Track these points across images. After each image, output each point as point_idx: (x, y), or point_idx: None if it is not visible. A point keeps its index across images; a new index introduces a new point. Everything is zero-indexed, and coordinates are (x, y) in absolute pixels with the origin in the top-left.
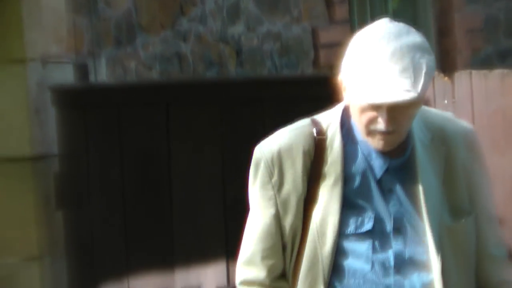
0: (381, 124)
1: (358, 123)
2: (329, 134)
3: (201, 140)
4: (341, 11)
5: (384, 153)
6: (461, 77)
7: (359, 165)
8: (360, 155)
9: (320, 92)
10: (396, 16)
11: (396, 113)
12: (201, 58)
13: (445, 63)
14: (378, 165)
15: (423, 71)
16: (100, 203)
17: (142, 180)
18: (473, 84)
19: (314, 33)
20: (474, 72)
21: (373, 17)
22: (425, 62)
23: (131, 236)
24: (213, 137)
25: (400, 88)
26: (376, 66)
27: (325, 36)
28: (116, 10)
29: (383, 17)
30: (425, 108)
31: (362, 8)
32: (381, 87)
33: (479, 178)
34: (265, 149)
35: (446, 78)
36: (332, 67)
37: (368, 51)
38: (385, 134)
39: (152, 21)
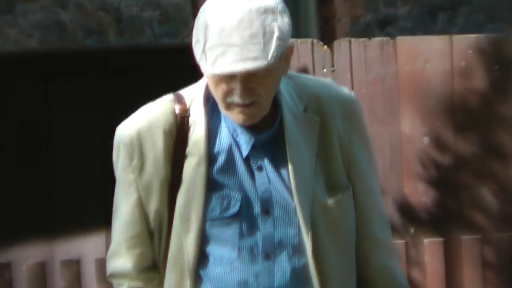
0: (236, 96)
1: (215, 97)
2: (192, 111)
3: (81, 109)
4: None
5: (250, 128)
6: (340, 45)
7: (224, 142)
8: (225, 132)
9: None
10: None
11: (252, 83)
12: (81, 26)
13: (325, 31)
14: (244, 141)
15: (275, 36)
16: None
17: (22, 150)
18: (353, 52)
19: (193, 1)
20: (353, 40)
21: None
22: (277, 25)
23: (11, 208)
24: (93, 106)
25: (247, 55)
26: (222, 33)
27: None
28: None
29: None
30: (299, 75)
31: None
32: (225, 56)
33: (359, 149)
34: (124, 131)
35: (325, 47)
36: None
37: (214, 16)
38: (243, 106)
39: None
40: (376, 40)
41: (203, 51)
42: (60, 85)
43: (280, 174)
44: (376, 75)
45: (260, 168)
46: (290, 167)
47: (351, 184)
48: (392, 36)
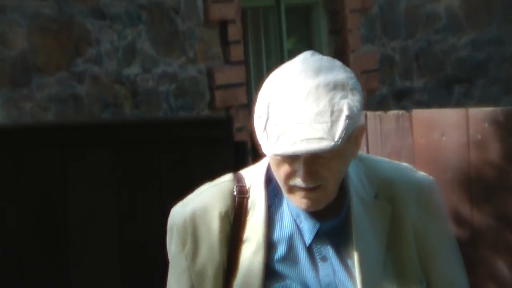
0: (299, 179)
1: (277, 178)
2: (252, 192)
3: (97, 182)
4: (236, 52)
5: (315, 214)
6: None
7: (285, 228)
8: (287, 217)
9: (216, 134)
10: (291, 56)
11: (317, 165)
12: (97, 99)
13: None
14: (307, 228)
15: (344, 114)
16: None
17: (38, 223)
18: (369, 125)
19: (209, 74)
20: (369, 113)
21: (269, 58)
22: (347, 103)
23: (27, 281)
24: (109, 179)
25: (312, 135)
26: (286, 110)
27: (220, 77)
28: (11, 50)
29: (279, 58)
30: (371, 157)
31: (257, 49)
32: (288, 135)
33: (437, 240)
34: (177, 214)
35: None
36: (228, 109)
37: (279, 92)
38: (307, 190)
39: (48, 61)
40: (392, 113)
41: (265, 128)
42: (76, 158)
43: (346, 266)
44: (392, 148)
45: (324, 258)
46: (356, 258)
47: (428, 280)
48: (408, 108)
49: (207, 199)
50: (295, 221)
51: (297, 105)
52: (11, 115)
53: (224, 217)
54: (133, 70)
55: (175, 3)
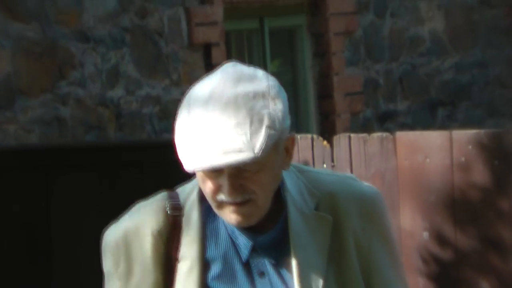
0: (225, 194)
1: (205, 195)
2: (187, 210)
3: (81, 204)
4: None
5: (250, 229)
6: (340, 140)
7: (221, 245)
8: (223, 233)
9: None
10: (276, 78)
11: (241, 179)
12: (81, 121)
13: (324, 126)
14: (243, 244)
15: (264, 125)
16: None
17: (22, 246)
18: (352, 148)
19: None
20: (353, 135)
21: None
22: (268, 112)
23: None
24: (93, 201)
25: (231, 147)
26: (204, 123)
27: None
28: None
29: None
30: (313, 170)
31: None
32: (206, 149)
33: (380, 254)
34: (109, 234)
35: (325, 142)
36: None
37: (197, 105)
38: (235, 205)
39: (32, 84)
40: (376, 135)
41: (183, 142)
42: (60, 180)
43: (284, 280)
44: (376, 170)
45: (262, 274)
46: (295, 271)
47: None
48: (391, 131)
49: (139, 218)
50: (231, 237)
51: (216, 117)
52: None
53: (157, 236)
54: (117, 92)
55: (159, 26)
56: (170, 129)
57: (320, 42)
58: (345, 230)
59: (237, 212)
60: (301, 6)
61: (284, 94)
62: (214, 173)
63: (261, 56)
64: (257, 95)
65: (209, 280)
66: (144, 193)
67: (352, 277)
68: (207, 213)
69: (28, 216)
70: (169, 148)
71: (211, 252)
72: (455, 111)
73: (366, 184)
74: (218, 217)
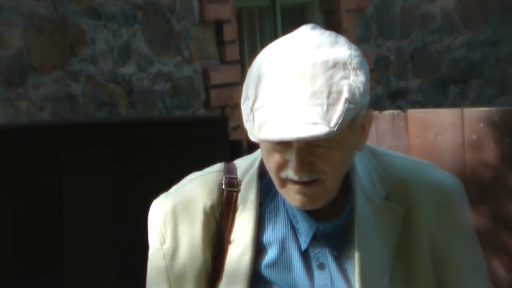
0: (291, 171)
1: (268, 170)
2: (244, 186)
3: (93, 181)
4: (232, 52)
5: (314, 214)
6: None
7: (279, 229)
8: (283, 216)
9: (211, 133)
10: None
11: (312, 155)
12: (92, 98)
13: None
14: (304, 230)
15: (343, 97)
16: None
17: (33, 223)
18: None
19: (205, 74)
20: None
21: None
22: (348, 84)
23: (22, 281)
24: (105, 178)
25: (304, 120)
26: (276, 90)
27: (216, 77)
28: (7, 50)
29: None
30: (387, 153)
31: (253, 48)
32: (277, 119)
33: (458, 251)
34: (157, 207)
35: None
36: (223, 108)
37: (270, 69)
38: (301, 185)
39: (43, 61)
40: (388, 112)
41: (251, 110)
42: (71, 157)
43: (346, 275)
44: (387, 148)
45: (321, 266)
46: (358, 266)
47: None
48: (403, 109)
49: (191, 191)
50: (291, 221)
51: (290, 84)
52: (6, 114)
53: (209, 213)
54: (128, 69)
55: (170, 3)
56: (182, 106)
57: (331, 19)
58: (418, 224)
59: (303, 192)
60: None
61: (367, 66)
62: (282, 146)
63: (272, 33)
64: (337, 64)
65: (262, 268)
66: (156, 170)
67: (421, 276)
68: (267, 192)
69: (40, 192)
70: (182, 125)
71: (267, 236)
72: (466, 89)
73: (444, 172)
74: (279, 197)
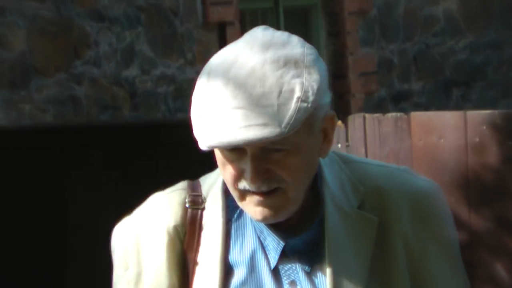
0: (248, 181)
1: (226, 183)
2: (209, 203)
3: (96, 184)
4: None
5: (281, 228)
6: (355, 120)
7: (247, 247)
8: (250, 233)
9: None
10: None
11: (268, 162)
12: (95, 101)
13: (339, 106)
14: (272, 246)
15: (295, 96)
16: None
17: (36, 225)
18: (367, 128)
19: None
20: (367, 115)
21: None
22: (301, 82)
23: (24, 283)
24: (107, 181)
25: (253, 121)
26: (225, 93)
27: None
28: (10, 52)
29: None
30: (360, 160)
31: None
32: (225, 123)
33: (437, 264)
34: (119, 231)
35: (339, 122)
36: None
37: (218, 72)
38: (261, 195)
39: (47, 63)
40: (390, 115)
41: (200, 116)
42: (75, 159)
43: None
44: (390, 150)
45: (293, 283)
46: (330, 281)
47: None
48: (406, 111)
49: (153, 212)
50: (259, 237)
51: (238, 86)
52: (10, 117)
53: (173, 234)
54: (132, 72)
55: (173, 5)
56: (185, 109)
57: (334, 21)
58: (393, 234)
59: (263, 203)
60: None
61: (322, 64)
62: (235, 154)
63: None
64: (288, 62)
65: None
66: (158, 172)
67: (398, 287)
68: (233, 208)
69: (43, 195)
70: (184, 127)
71: (236, 255)
72: (469, 92)
73: (422, 178)
74: (245, 213)
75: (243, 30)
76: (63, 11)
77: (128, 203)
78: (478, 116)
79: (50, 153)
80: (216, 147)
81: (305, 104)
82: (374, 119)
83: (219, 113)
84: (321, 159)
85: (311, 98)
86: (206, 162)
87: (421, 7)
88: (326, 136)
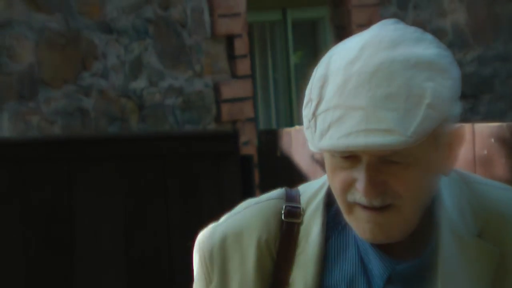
0: (359, 193)
1: (334, 193)
2: (307, 216)
3: (104, 196)
4: (243, 66)
5: (389, 251)
6: None
7: (347, 269)
8: (352, 253)
9: (222, 148)
10: (298, 70)
11: (385, 174)
12: (104, 113)
13: None
14: (377, 271)
15: (425, 102)
16: (1, 260)
17: (44, 236)
18: None
19: (216, 88)
20: None
21: (275, 72)
22: (432, 87)
23: None
24: (115, 193)
25: (375, 125)
26: (344, 90)
27: (227, 91)
28: (18, 64)
29: (285, 72)
30: (482, 181)
31: (264, 63)
32: (343, 124)
33: None
34: (205, 238)
35: None
36: (234, 122)
37: (339, 68)
38: (372, 211)
39: (55, 75)
40: None
41: (313, 115)
42: (82, 172)
43: None
44: None
45: None
46: None
47: None
48: None
49: (243, 222)
50: (362, 260)
51: (361, 85)
52: (18, 128)
53: (264, 248)
54: (140, 84)
55: (182, 17)
56: (193, 121)
57: (343, 34)
58: None
59: (374, 221)
60: None
61: (457, 70)
62: (349, 160)
63: (283, 48)
64: (420, 63)
65: None
66: (166, 184)
67: None
68: (334, 224)
69: (51, 207)
70: (192, 139)
71: (333, 279)
72: (477, 104)
73: None
74: (348, 230)
75: (251, 42)
76: (71, 23)
77: (137, 215)
78: (486, 128)
79: (58, 165)
80: (329, 150)
81: (435, 113)
82: None
83: (336, 112)
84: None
85: (442, 107)
86: (215, 173)
87: (429, 20)
88: (451, 151)
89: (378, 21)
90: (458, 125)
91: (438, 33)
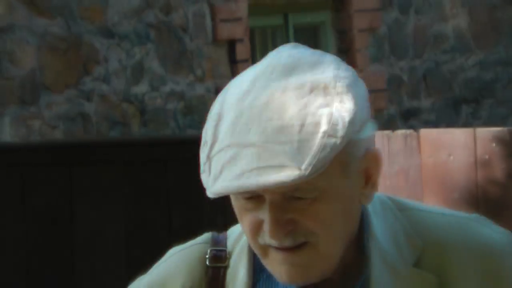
0: (267, 233)
1: (246, 236)
2: (233, 260)
3: (105, 201)
4: (244, 71)
5: None
6: None
7: None
8: None
9: None
10: None
11: (291, 212)
12: (105, 117)
13: None
14: None
15: (321, 130)
16: (1, 265)
17: (45, 241)
18: (376, 144)
19: (217, 93)
20: (377, 132)
21: None
22: (329, 113)
23: None
24: (117, 197)
25: (267, 162)
26: (236, 128)
27: None
28: (20, 69)
29: None
30: (417, 207)
31: None
32: (235, 164)
33: None
34: None
35: None
36: None
37: (232, 102)
38: (284, 251)
39: (56, 80)
40: (400, 132)
41: (208, 157)
42: (84, 176)
43: None
44: (400, 168)
45: None
46: None
47: None
48: (415, 128)
49: (168, 271)
50: None
51: (252, 119)
52: (19, 133)
53: None
54: (141, 88)
55: (183, 22)
56: (194, 125)
57: (344, 38)
58: None
59: (289, 261)
60: (325, 3)
61: (361, 90)
62: (253, 201)
63: None
64: (315, 88)
65: None
66: (168, 189)
67: None
68: (261, 266)
69: (52, 212)
70: (193, 144)
71: None
72: (478, 109)
73: (498, 229)
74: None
75: (252, 47)
76: (72, 28)
77: (138, 220)
78: (487, 133)
79: (60, 169)
80: (222, 194)
81: (333, 140)
82: (383, 136)
83: (228, 152)
84: (371, 206)
85: (341, 132)
86: None
87: (431, 25)
88: (369, 178)
89: (379, 26)
90: (372, 148)
91: (440, 38)
